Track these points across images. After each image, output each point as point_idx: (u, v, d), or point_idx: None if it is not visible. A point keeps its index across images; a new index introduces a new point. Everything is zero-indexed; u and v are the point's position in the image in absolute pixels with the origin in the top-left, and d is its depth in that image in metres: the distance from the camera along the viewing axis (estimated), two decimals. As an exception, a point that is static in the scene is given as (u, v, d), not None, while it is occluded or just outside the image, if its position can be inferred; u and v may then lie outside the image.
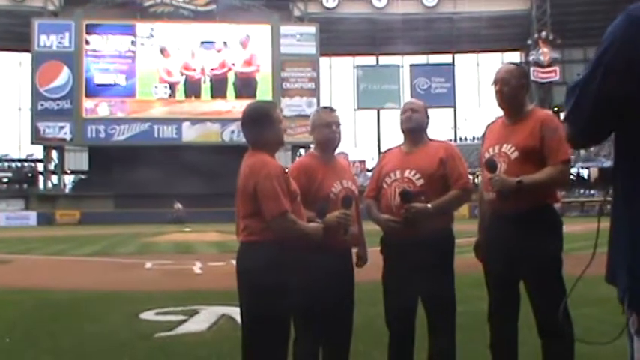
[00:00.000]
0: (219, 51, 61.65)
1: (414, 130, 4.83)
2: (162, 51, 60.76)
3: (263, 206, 3.87)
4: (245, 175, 3.97)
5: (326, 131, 4.66)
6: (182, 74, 61.19)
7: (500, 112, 4.70)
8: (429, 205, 4.53)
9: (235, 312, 7.70)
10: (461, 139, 65.98)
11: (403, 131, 4.90)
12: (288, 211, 3.88)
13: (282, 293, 3.85)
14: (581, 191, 55.99)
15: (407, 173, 4.68)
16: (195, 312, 8.53)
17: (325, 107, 4.94)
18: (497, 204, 4.42)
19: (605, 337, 2.47)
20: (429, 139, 4.91)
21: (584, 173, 58.37)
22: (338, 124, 4.71)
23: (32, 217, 55.76)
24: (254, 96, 57.67)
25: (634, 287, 2.04)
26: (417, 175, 4.64)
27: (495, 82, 4.57)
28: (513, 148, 4.41)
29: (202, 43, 61.43)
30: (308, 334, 4.41)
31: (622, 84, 2.00)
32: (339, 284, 4.49)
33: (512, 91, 4.50)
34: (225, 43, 61.71)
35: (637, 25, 2.01)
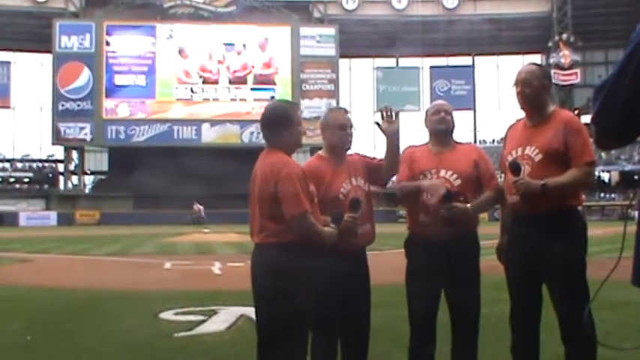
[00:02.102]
0: (239, 53, 61.78)
1: (445, 132, 4.84)
2: (181, 52, 60.99)
3: (283, 206, 3.83)
4: (265, 175, 3.94)
5: (340, 133, 4.57)
6: (200, 76, 61.34)
7: (521, 114, 4.66)
8: (468, 206, 4.57)
9: (254, 312, 7.74)
10: (481, 141, 65.69)
11: (432, 132, 4.88)
12: (308, 211, 3.86)
13: (301, 296, 3.83)
14: (602, 195, 55.64)
15: (442, 173, 4.69)
16: (215, 312, 8.53)
17: (338, 108, 4.95)
18: (520, 206, 4.37)
19: (625, 342, 2.45)
20: (456, 141, 4.93)
21: (605, 177, 57.98)
22: (351, 126, 4.63)
23: (52, 216, 56.08)
24: (273, 97, 57.84)
25: None
26: (455, 176, 4.66)
27: (517, 84, 4.52)
28: (537, 151, 4.37)
29: (222, 44, 61.60)
30: (324, 338, 4.39)
31: None
32: (353, 287, 4.46)
33: (534, 93, 4.45)
34: (244, 45, 61.81)
35: None
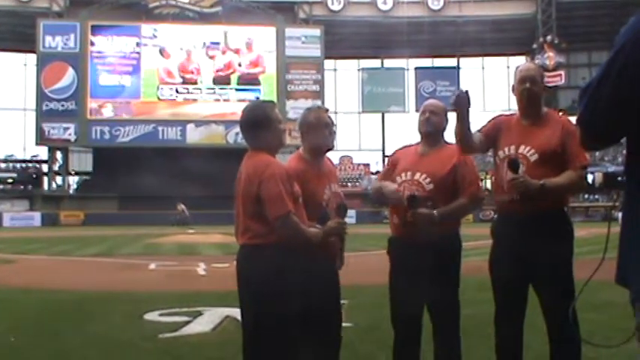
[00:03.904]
0: (223, 52, 61.70)
1: (431, 134, 4.77)
2: (162, 51, 60.79)
3: (267, 206, 3.83)
4: (248, 176, 3.93)
5: (322, 132, 4.46)
6: (182, 76, 61.19)
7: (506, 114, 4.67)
8: (434, 212, 4.47)
9: (239, 313, 7.72)
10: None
11: (420, 133, 4.84)
12: (292, 211, 3.85)
13: (288, 298, 3.83)
14: (586, 196, 55.91)
15: (417, 176, 4.64)
16: (200, 313, 8.53)
17: (318, 107, 4.73)
18: (512, 206, 4.38)
19: (608, 342, 2.47)
20: (446, 142, 4.85)
21: (589, 178, 58.24)
22: (333, 124, 4.58)
23: (36, 217, 55.79)
24: (258, 98, 57.87)
25: None
26: (428, 179, 4.61)
27: (523, 80, 4.50)
28: (533, 151, 4.37)
29: (207, 44, 61.47)
30: (309, 339, 4.37)
31: (636, 85, 2.00)
32: (331, 288, 4.45)
33: (539, 91, 4.49)
34: (229, 45, 61.75)
35: None
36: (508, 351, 4.49)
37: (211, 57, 61.61)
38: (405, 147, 5.03)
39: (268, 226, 3.85)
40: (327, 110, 4.67)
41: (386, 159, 69.53)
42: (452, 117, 4.82)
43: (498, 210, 4.59)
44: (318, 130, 4.46)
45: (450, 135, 4.77)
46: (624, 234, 2.18)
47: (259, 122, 4.04)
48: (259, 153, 4.01)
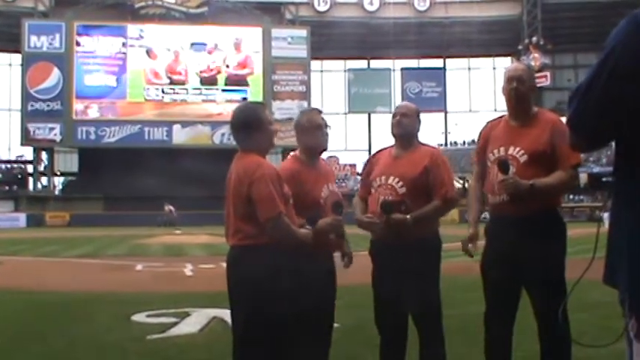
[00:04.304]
0: (210, 52, 61.64)
1: (403, 136, 4.79)
2: (149, 52, 60.70)
3: (257, 207, 3.83)
4: (239, 177, 3.93)
5: (317, 134, 4.57)
6: (169, 77, 61.10)
7: (492, 116, 4.68)
8: (408, 217, 4.50)
9: (226, 314, 7.70)
10: (451, 143, 66.18)
11: (393, 135, 4.86)
12: (282, 212, 3.86)
13: (279, 299, 3.83)
14: (571, 196, 56.15)
15: (391, 180, 4.67)
16: (187, 314, 8.52)
17: (312, 109, 4.89)
18: (505, 207, 4.37)
19: (598, 342, 2.48)
20: (421, 143, 4.88)
21: (575, 178, 58.36)
22: (327, 126, 4.65)
23: (22, 218, 55.51)
24: (245, 99, 57.83)
25: (635, 288, 2.05)
26: (400, 183, 4.63)
27: (511, 80, 4.48)
28: (522, 152, 4.36)
29: (193, 45, 61.37)
30: (303, 337, 4.39)
31: (626, 87, 2.02)
32: (326, 288, 4.49)
33: (527, 91, 4.46)
34: (216, 45, 61.69)
35: None
36: (498, 351, 4.50)
37: (198, 58, 61.49)
38: (380, 151, 5.06)
39: (259, 227, 3.85)
40: (320, 112, 4.73)
41: (373, 155, 68.95)
42: (424, 118, 4.86)
43: (491, 211, 4.59)
44: (311, 131, 4.56)
45: (422, 136, 4.82)
46: (612, 235, 2.20)
47: (250, 123, 4.04)
48: (249, 154, 4.01)
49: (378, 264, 4.78)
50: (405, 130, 4.78)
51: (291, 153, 4.80)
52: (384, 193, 4.65)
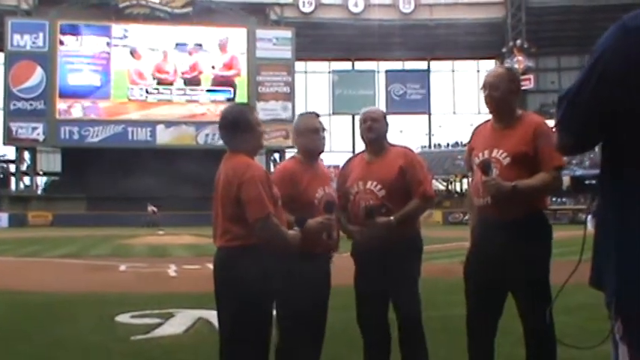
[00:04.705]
0: (190, 53, 61.57)
1: (374, 140, 4.89)
2: (133, 52, 60.56)
3: (246, 208, 3.85)
4: (227, 177, 3.94)
5: (314, 137, 4.68)
6: (155, 77, 60.97)
7: (475, 119, 4.71)
8: (392, 218, 4.60)
9: (211, 315, 7.70)
10: (435, 145, 66.41)
11: (364, 140, 4.96)
12: (271, 213, 3.87)
13: (269, 299, 3.87)
14: (554, 199, 56.41)
15: (369, 184, 4.75)
16: (171, 315, 8.49)
17: (310, 113, 4.96)
18: (490, 210, 4.39)
19: (581, 345, 2.51)
20: (390, 144, 4.97)
21: (558, 180, 58.62)
22: (323, 129, 4.75)
23: (4, 218, 55.13)
24: (230, 100, 57.88)
25: (622, 291, 2.07)
26: (379, 187, 4.71)
27: (484, 87, 4.52)
28: (505, 154, 4.37)
29: (178, 45, 61.25)
30: (293, 337, 4.43)
31: (614, 93, 2.05)
32: (318, 289, 4.54)
33: (502, 96, 4.44)
34: (201, 45, 61.59)
35: (631, 35, 2.05)
36: (480, 354, 4.52)
37: (182, 58, 61.42)
38: (352, 157, 5.19)
39: (247, 228, 3.86)
40: (318, 116, 4.85)
41: (346, 163, 69.14)
42: (408, 120, 4.91)
43: (477, 214, 4.61)
44: (308, 135, 4.69)
45: (406, 138, 4.86)
46: (598, 238, 2.22)
47: (238, 124, 4.06)
48: (238, 155, 4.03)
49: (360, 265, 4.85)
50: (377, 134, 4.88)
51: (294, 155, 4.90)
52: (365, 198, 4.74)
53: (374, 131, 4.86)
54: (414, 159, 4.87)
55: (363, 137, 4.95)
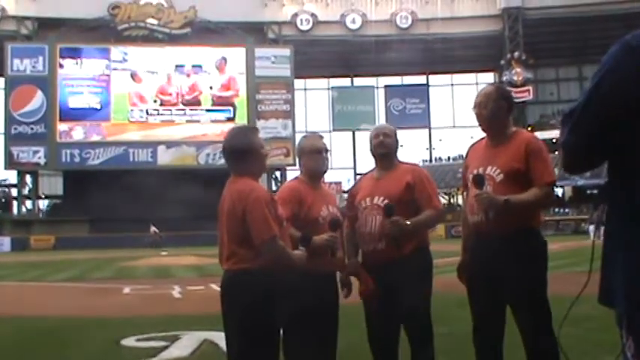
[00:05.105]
0: (188, 75, 61.68)
1: (386, 155, 4.93)
2: (133, 76, 60.69)
3: (252, 231, 3.85)
4: (232, 201, 3.96)
5: (317, 157, 4.75)
6: (157, 99, 61.04)
7: (476, 131, 4.74)
8: (408, 222, 4.60)
9: (217, 337, 7.72)
10: (436, 159, 66.48)
11: (374, 156, 4.99)
12: (277, 235, 3.89)
13: (276, 322, 3.87)
14: (556, 210, 56.39)
15: (376, 199, 4.77)
16: (177, 337, 8.45)
17: (313, 134, 5.05)
18: (483, 225, 4.39)
19: (585, 356, 2.50)
20: (399, 161, 5.00)
21: (559, 192, 58.80)
22: (327, 150, 4.81)
23: (6, 242, 55.05)
24: (230, 119, 58.11)
25: (632, 313, 2.06)
26: (386, 201, 4.70)
27: (475, 106, 4.59)
28: (498, 170, 4.41)
29: (177, 66, 61.40)
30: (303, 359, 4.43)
31: (619, 111, 2.06)
32: (326, 306, 4.55)
33: (491, 114, 4.50)
34: (200, 66, 61.76)
35: (635, 54, 2.05)
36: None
37: (183, 79, 61.56)
38: (361, 177, 5.25)
39: (253, 250, 3.87)
40: (321, 137, 4.93)
41: (357, 177, 70.30)
42: (408, 134, 4.95)
43: (472, 230, 4.63)
44: (311, 155, 4.76)
45: (406, 153, 4.89)
46: (608, 254, 2.21)
47: (242, 148, 4.08)
48: (242, 178, 4.04)
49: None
50: (389, 149, 4.93)
51: (297, 176, 4.97)
52: (372, 213, 4.75)
53: (385, 146, 4.90)
54: (422, 175, 4.90)
55: (373, 153, 4.98)
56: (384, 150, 4.90)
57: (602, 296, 2.22)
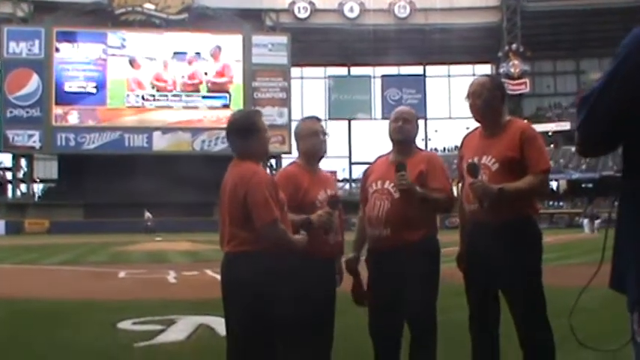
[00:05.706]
0: (190, 62, 61.48)
1: (404, 142, 4.81)
2: (132, 62, 60.48)
3: (254, 214, 3.87)
4: (234, 184, 3.97)
5: (314, 140, 4.69)
6: (153, 85, 60.87)
7: (472, 123, 4.75)
8: (418, 188, 4.55)
9: (213, 321, 7.77)
10: (432, 150, 66.41)
11: (392, 140, 4.87)
12: (278, 218, 3.90)
13: (273, 304, 3.88)
14: (551, 203, 56.53)
15: (387, 184, 4.68)
16: (173, 322, 8.47)
17: (310, 117, 5.00)
18: (479, 214, 4.40)
19: (580, 348, 2.52)
20: (418, 148, 4.93)
21: (553, 185, 58.94)
22: (324, 133, 4.76)
23: (0, 225, 54.96)
24: (226, 106, 58.07)
25: None
26: (395, 188, 4.62)
27: (468, 96, 4.59)
28: (493, 160, 4.42)
29: (175, 53, 61.15)
30: (299, 344, 4.43)
31: (637, 95, 2.08)
32: (324, 292, 4.55)
33: (486, 104, 4.51)
34: (198, 53, 61.55)
35: None
36: (483, 358, 4.55)
37: (179, 65, 61.35)
38: (378, 158, 5.06)
39: (254, 233, 3.89)
40: (319, 120, 4.91)
41: (352, 166, 70.98)
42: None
43: (468, 218, 4.65)
44: (308, 138, 4.70)
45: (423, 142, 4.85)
46: (621, 240, 2.22)
47: (246, 130, 4.09)
48: (245, 161, 4.06)
49: (375, 271, 4.76)
50: (407, 136, 4.82)
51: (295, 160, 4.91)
52: (380, 198, 4.67)
53: (403, 133, 4.79)
54: (436, 163, 4.79)
55: (391, 136, 4.85)
56: (401, 136, 4.79)
57: (614, 282, 2.24)
